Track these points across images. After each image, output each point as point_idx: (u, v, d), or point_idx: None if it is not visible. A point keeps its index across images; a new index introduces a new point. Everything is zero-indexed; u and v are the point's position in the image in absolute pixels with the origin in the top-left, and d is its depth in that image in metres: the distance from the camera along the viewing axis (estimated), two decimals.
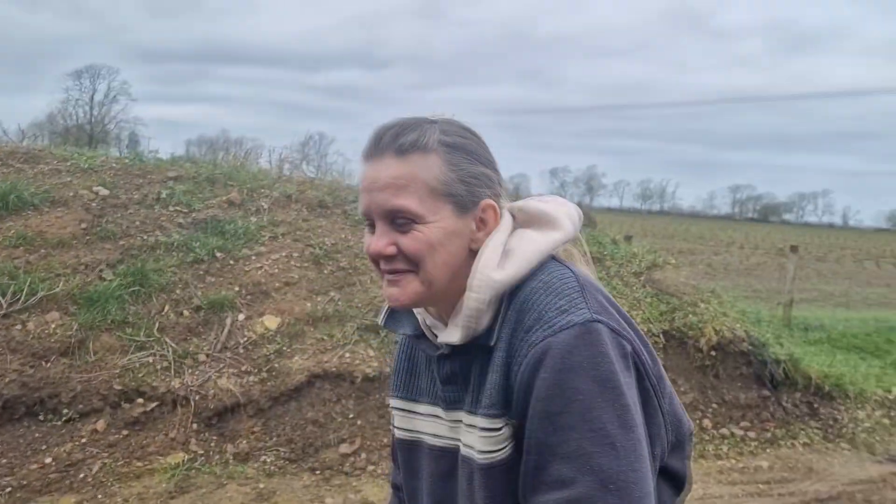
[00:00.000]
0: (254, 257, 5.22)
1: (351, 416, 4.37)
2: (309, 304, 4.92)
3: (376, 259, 1.13)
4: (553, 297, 1.06)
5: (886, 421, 5.87)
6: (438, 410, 1.20)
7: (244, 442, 4.14)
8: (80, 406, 4.01)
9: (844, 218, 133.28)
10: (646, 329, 5.53)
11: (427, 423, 1.23)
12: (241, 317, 4.71)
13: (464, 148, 1.13)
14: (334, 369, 4.48)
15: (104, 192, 5.52)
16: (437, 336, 1.18)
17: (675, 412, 1.14)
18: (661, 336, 5.52)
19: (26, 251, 4.70)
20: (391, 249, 1.10)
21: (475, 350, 1.12)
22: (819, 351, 7.59)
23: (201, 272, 4.97)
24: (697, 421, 5.19)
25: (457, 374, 1.15)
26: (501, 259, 1.10)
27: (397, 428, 1.30)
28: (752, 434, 5.30)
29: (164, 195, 5.68)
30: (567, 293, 1.06)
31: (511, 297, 1.10)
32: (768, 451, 5.15)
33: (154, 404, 4.13)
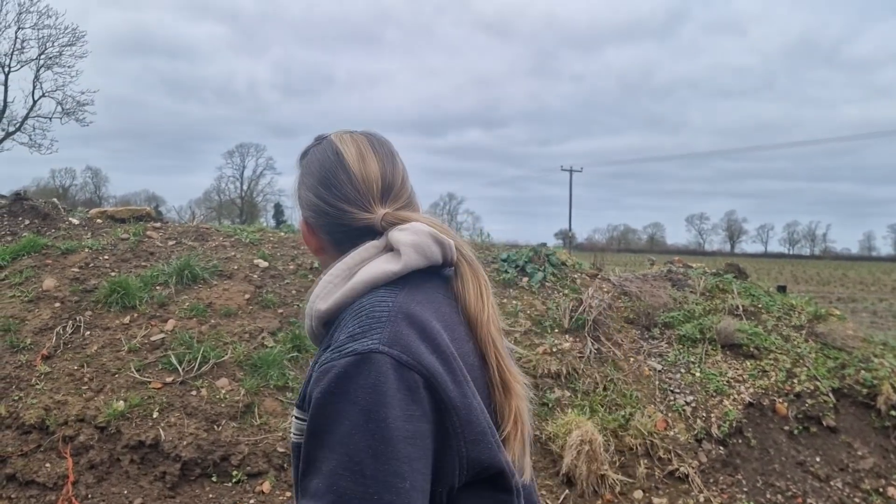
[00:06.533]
0: None
1: None
2: None
3: None
4: (353, 322, 1.12)
5: None
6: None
7: None
8: (248, 468, 4.25)
9: None
10: (812, 387, 5.13)
11: None
12: None
13: (303, 168, 1.33)
14: None
15: (264, 264, 5.94)
16: None
17: (479, 458, 1.11)
18: (830, 395, 5.10)
19: (199, 322, 5.12)
20: None
21: None
22: None
23: None
24: (881, 489, 4.70)
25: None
26: (339, 286, 1.20)
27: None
28: None
29: (316, 264, 6.02)
30: (365, 321, 1.11)
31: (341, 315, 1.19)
32: None
33: None
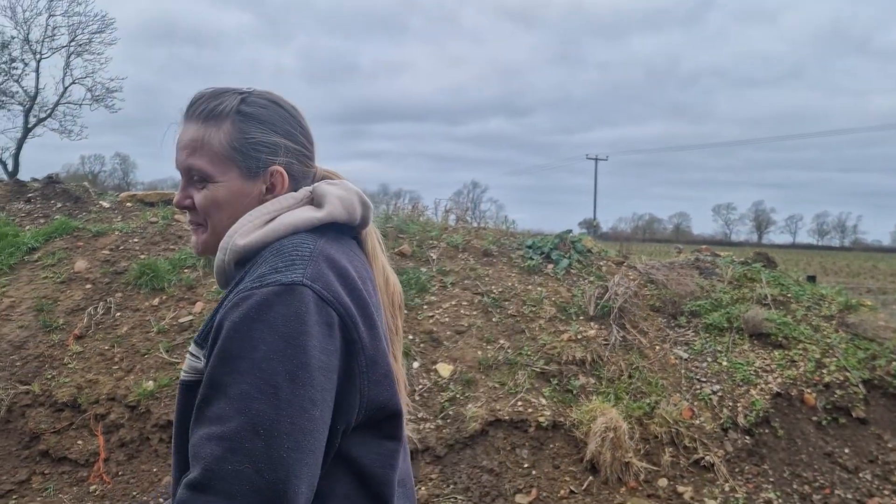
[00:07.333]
0: (425, 306, 5.39)
1: (525, 465, 4.34)
2: (480, 352, 4.99)
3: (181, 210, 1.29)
4: (276, 258, 1.13)
5: None
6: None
7: (423, 489, 4.23)
8: None
9: None
10: (842, 378, 5.06)
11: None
12: (415, 365, 4.86)
13: (259, 117, 1.26)
14: (507, 418, 4.49)
15: None
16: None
17: (378, 398, 1.14)
18: (860, 386, 5.02)
19: None
20: (186, 202, 1.27)
21: None
22: None
23: None
24: None
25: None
26: (258, 227, 1.21)
27: None
28: None
29: None
30: (289, 257, 1.13)
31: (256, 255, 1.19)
32: None
33: None
